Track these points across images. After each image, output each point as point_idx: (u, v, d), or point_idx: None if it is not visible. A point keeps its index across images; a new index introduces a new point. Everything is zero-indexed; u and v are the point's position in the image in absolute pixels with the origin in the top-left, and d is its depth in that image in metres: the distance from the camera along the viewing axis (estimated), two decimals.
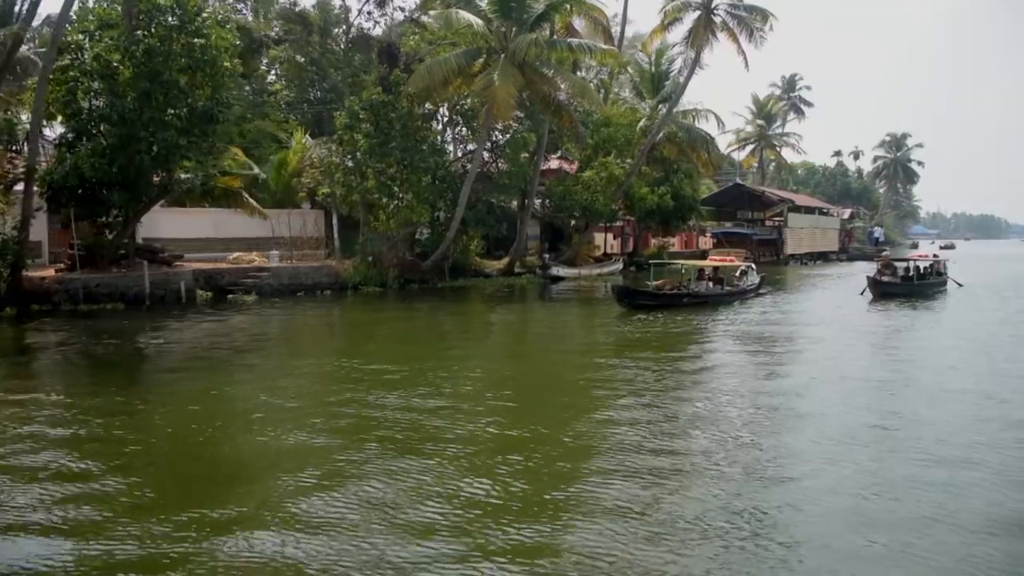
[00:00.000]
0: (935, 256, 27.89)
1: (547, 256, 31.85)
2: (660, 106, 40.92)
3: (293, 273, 26.93)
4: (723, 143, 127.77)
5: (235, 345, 16.02)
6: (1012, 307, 22.16)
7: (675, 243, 55.79)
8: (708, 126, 43.39)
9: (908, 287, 23.87)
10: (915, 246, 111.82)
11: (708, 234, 52.04)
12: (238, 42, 24.68)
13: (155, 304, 22.51)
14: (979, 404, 10.35)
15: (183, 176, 23.82)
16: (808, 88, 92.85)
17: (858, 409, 10.03)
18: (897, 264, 25.43)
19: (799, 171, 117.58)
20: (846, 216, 65.07)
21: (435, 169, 29.12)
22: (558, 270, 31.97)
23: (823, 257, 57.44)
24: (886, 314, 20.26)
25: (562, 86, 26.97)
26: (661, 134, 39.59)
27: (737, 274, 22.70)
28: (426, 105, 29.57)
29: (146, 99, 21.22)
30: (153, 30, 21.56)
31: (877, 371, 12.80)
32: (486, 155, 30.84)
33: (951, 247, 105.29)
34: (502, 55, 26.45)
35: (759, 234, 50.13)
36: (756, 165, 74.43)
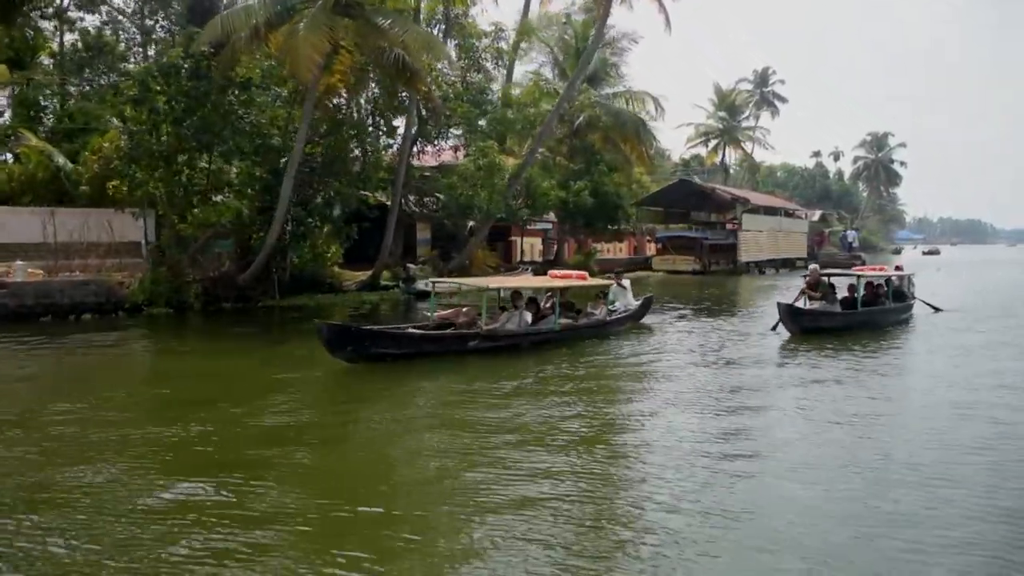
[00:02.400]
0: (899, 269, 19.48)
1: (411, 267, 25.02)
2: (585, 86, 34.33)
3: (43, 290, 20.03)
4: (681, 138, 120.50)
5: None
6: (1005, 352, 13.77)
7: (624, 248, 49.33)
8: (664, 123, 36.78)
9: (848, 318, 15.78)
10: (898, 251, 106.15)
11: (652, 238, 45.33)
12: None
13: None
14: None
15: None
16: (782, 82, 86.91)
17: None
18: (835, 281, 16.79)
19: (779, 173, 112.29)
20: (816, 218, 58.30)
21: (255, 154, 22.41)
22: (427, 284, 25.14)
23: (789, 264, 50.84)
24: (797, 372, 11.93)
25: (403, 41, 20.04)
26: (582, 118, 33.00)
27: (607, 297, 15.34)
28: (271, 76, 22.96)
29: None
30: None
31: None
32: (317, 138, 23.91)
33: (936, 252, 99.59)
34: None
35: (711, 238, 43.38)
36: (718, 162, 67.78)
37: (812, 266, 16.62)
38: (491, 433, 8.24)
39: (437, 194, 27.73)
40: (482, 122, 28.12)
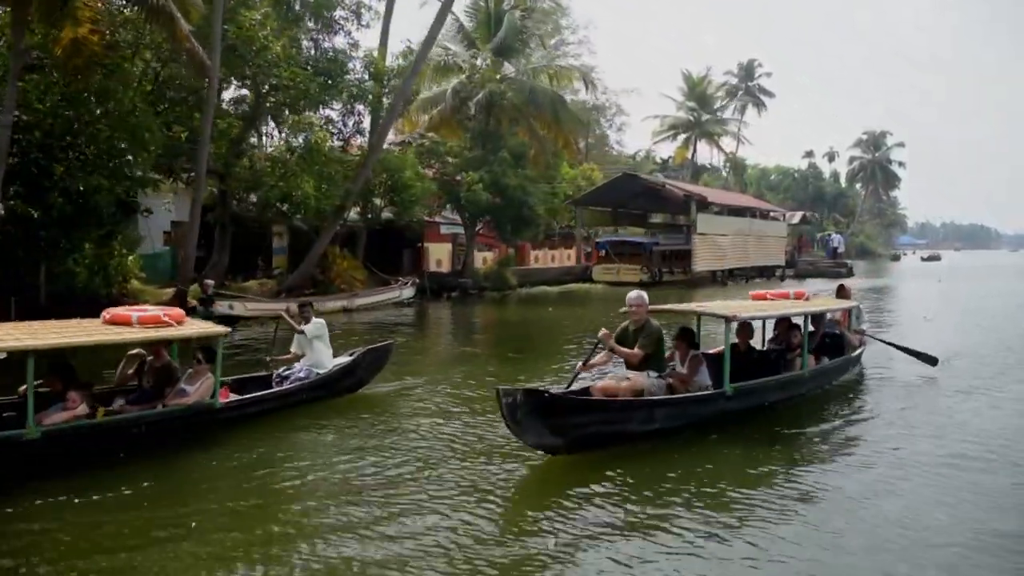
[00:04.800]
0: (843, 293, 11.57)
1: (209, 283, 18.65)
2: (489, 56, 28.00)
3: None
4: (646, 132, 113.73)
5: None
6: None
7: (572, 255, 42.70)
8: (633, 112, 30.42)
9: (696, 406, 7.50)
10: (897, 258, 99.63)
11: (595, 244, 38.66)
12: None
13: None
14: None
15: None
16: (768, 75, 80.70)
17: None
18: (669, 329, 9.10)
19: (772, 176, 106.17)
20: (795, 220, 51.52)
21: None
22: (232, 306, 18.82)
23: (766, 273, 44.28)
24: None
25: None
26: (481, 94, 26.61)
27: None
28: None
29: None
30: None
31: None
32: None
33: (936, 258, 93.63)
34: None
35: (663, 243, 36.76)
36: (689, 158, 61.30)
37: (632, 294, 7.63)
38: None
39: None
40: (337, 100, 21.70)
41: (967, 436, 7.82)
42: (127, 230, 19.98)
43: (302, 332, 8.79)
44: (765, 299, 9.89)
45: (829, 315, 10.39)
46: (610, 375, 7.95)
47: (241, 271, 23.69)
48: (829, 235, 55.01)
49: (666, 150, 73.35)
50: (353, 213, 24.91)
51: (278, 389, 8.38)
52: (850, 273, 46.53)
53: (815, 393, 9.38)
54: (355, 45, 23.37)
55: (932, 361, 11.03)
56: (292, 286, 21.87)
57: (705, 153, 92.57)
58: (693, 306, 9.07)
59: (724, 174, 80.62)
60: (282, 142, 18.92)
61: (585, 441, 6.67)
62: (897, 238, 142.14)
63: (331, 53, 22.56)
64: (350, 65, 22.93)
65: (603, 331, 7.38)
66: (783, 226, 47.85)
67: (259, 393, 8.06)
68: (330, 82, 21.64)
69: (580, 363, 7.76)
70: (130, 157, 17.59)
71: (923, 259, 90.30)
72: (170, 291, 21.01)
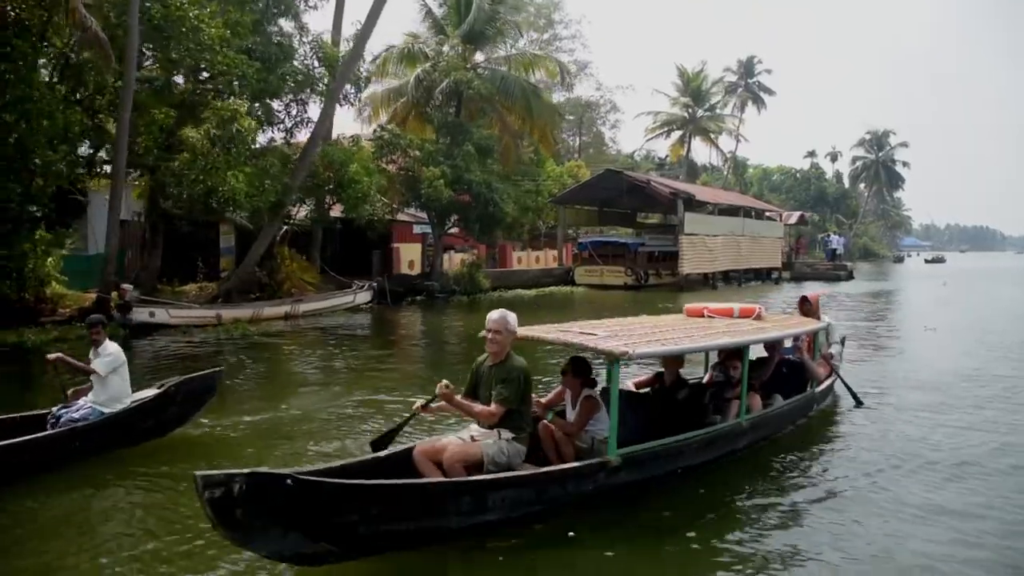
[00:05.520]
0: (806, 307, 8.93)
1: (127, 287, 16.85)
2: (458, 43, 26.11)
3: None
4: (639, 128, 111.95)
5: None
6: None
7: (555, 257, 40.73)
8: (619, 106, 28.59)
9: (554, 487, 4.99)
10: (900, 260, 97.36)
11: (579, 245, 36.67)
12: None
13: None
14: None
15: None
16: (768, 72, 78.47)
17: None
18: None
19: (775, 176, 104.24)
20: (792, 221, 49.32)
21: None
22: (152, 313, 16.96)
23: (763, 276, 42.33)
24: None
25: None
26: (446, 82, 24.69)
27: None
28: None
29: None
30: None
31: None
32: None
33: (940, 260, 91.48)
34: None
35: (649, 244, 34.74)
36: (684, 156, 59.25)
37: (494, 315, 5.29)
38: None
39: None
40: (280, 88, 19.80)
41: (970, 496, 5.89)
42: (69, 228, 18.26)
43: (93, 372, 6.65)
44: (702, 315, 7.62)
45: (789, 342, 8.09)
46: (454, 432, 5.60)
47: (182, 274, 21.91)
48: (828, 236, 52.79)
49: (660, 148, 71.54)
50: (305, 211, 23.11)
51: (34, 436, 6.10)
52: (850, 276, 44.49)
53: (761, 445, 6.95)
54: (304, 29, 21.57)
55: (859, 402, 8.90)
56: (232, 290, 20.03)
57: (704, 152, 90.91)
58: (557, 331, 6.22)
59: (724, 173, 78.67)
60: (203, 132, 16.95)
61: (372, 544, 4.28)
62: (901, 239, 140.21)
63: (275, 37, 20.72)
64: (300, 51, 21.11)
65: (442, 384, 5.02)
66: (780, 227, 45.77)
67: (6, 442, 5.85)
68: (269, 68, 19.75)
69: (419, 403, 5.36)
70: (33, 148, 15.76)
71: (927, 261, 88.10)
72: (93, 296, 19.28)
